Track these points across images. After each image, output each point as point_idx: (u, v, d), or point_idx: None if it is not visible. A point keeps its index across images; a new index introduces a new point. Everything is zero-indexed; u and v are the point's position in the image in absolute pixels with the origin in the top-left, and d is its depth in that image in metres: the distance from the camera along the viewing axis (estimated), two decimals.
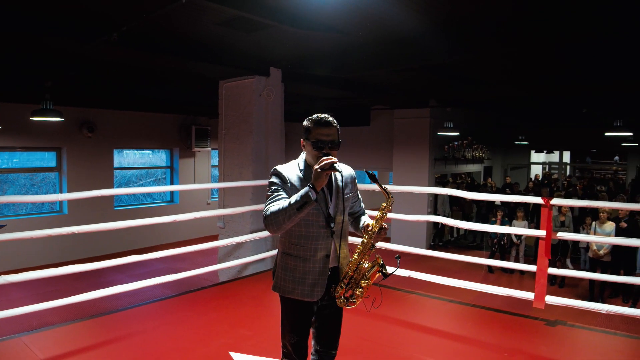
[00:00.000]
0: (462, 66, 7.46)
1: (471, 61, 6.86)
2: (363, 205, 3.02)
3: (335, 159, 2.43)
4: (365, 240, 2.67)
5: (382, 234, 2.66)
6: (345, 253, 2.77)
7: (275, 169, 2.69)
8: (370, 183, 2.94)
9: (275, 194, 2.60)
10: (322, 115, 2.65)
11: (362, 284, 2.68)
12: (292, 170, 2.69)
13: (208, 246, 6.27)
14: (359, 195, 2.99)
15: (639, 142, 15.42)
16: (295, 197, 2.44)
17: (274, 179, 2.66)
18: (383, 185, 2.68)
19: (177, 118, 13.23)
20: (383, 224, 2.65)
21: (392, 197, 2.68)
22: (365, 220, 2.88)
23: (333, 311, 2.79)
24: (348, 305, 2.70)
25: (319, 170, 2.39)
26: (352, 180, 2.86)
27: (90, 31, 5.25)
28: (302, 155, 2.75)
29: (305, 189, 2.41)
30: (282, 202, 2.51)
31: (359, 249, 2.67)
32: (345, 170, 2.82)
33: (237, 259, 6.91)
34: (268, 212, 2.53)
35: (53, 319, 5.92)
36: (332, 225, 2.67)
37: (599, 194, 12.87)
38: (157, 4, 4.36)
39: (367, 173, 2.66)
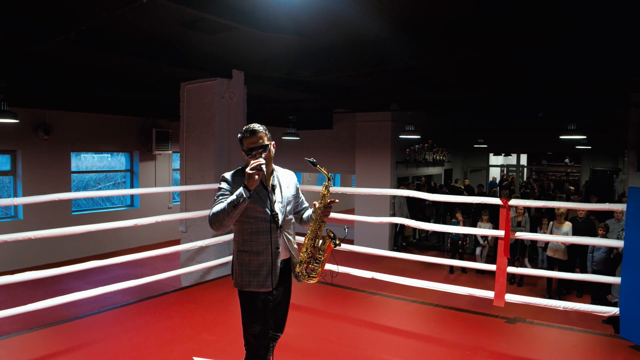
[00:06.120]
0: (422, 70, 7.58)
1: (431, 65, 6.98)
2: (307, 204, 3.31)
3: (262, 161, 2.78)
4: (314, 218, 3.03)
5: (329, 209, 3.02)
6: (294, 245, 3.11)
7: (223, 175, 3.04)
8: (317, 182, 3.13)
9: (221, 197, 2.91)
10: (249, 127, 2.96)
11: (319, 258, 3.06)
12: (237, 175, 3.00)
13: (170, 251, 6.18)
14: (302, 196, 3.31)
15: (592, 145, 15.97)
16: (231, 197, 2.79)
17: (221, 185, 2.99)
18: (322, 169, 3.04)
19: (137, 120, 12.97)
20: (329, 200, 3.00)
21: (330, 175, 3.04)
22: (310, 212, 3.19)
23: (282, 299, 3.14)
24: (309, 280, 3.06)
25: (249, 172, 2.73)
26: (294, 183, 3.20)
27: (47, 29, 5.10)
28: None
29: (240, 189, 2.77)
30: (223, 203, 2.83)
31: (311, 226, 3.05)
32: (287, 174, 3.18)
33: (199, 263, 6.83)
34: (211, 213, 2.86)
35: (8, 328, 5.72)
36: (278, 220, 2.97)
37: (555, 195, 13.27)
38: (117, 3, 4.28)
39: (308, 161, 3.02)
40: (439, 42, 5.73)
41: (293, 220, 3.18)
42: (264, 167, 2.78)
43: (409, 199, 11.97)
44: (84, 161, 13.03)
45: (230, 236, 6.70)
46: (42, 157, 11.01)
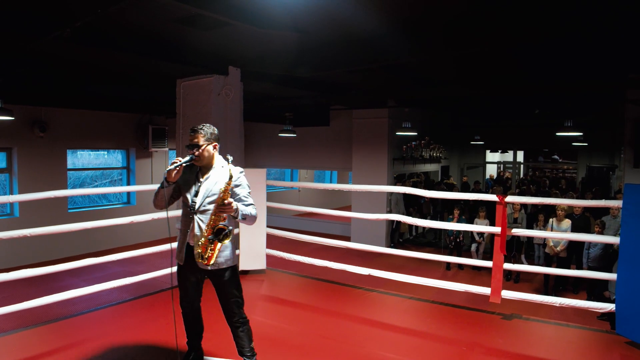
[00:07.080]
0: (419, 67, 7.57)
1: (429, 62, 6.97)
2: (248, 200, 3.56)
3: (177, 161, 3.36)
4: (213, 211, 3.43)
5: (226, 206, 3.33)
6: (203, 232, 3.46)
7: None
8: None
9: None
10: (193, 126, 3.51)
11: (210, 247, 3.44)
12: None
13: (166, 248, 6.16)
14: (241, 194, 3.54)
15: (588, 142, 15.99)
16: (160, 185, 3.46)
17: None
18: (239, 169, 3.55)
19: (134, 117, 12.94)
20: (228, 199, 3.35)
21: (232, 176, 3.40)
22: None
23: (219, 284, 3.65)
24: (206, 262, 3.44)
25: (168, 167, 3.36)
26: (228, 182, 3.42)
27: (42, 26, 5.07)
28: None
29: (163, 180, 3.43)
30: None
31: (210, 216, 3.44)
32: (223, 173, 3.51)
33: None
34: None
35: (4, 325, 5.70)
36: (194, 207, 3.51)
37: (550, 192, 13.30)
38: None
39: (226, 158, 3.53)
40: (437, 39, 5.71)
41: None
42: (174, 166, 3.33)
43: (405, 195, 11.97)
44: (80, 158, 12.99)
45: None
46: (38, 154, 10.98)
